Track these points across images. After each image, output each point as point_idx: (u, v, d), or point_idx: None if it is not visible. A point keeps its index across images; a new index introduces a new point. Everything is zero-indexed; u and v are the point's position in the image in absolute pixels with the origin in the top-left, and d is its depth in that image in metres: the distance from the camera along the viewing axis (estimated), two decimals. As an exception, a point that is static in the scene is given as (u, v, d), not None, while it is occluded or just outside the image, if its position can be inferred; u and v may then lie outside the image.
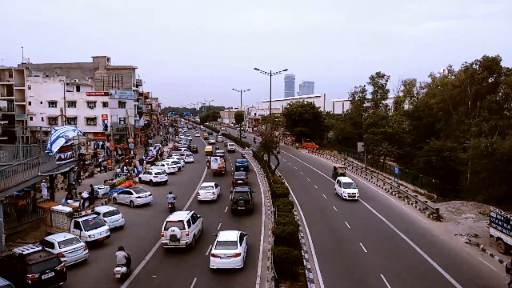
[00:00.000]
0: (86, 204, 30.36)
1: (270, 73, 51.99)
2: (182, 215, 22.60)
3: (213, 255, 18.68)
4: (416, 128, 56.73)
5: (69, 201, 27.70)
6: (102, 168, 48.62)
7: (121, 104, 67.21)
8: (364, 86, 73.37)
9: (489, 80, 45.56)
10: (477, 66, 46.02)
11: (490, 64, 44.42)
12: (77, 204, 27.11)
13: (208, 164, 50.33)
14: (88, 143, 62.40)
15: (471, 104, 46.22)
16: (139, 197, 31.66)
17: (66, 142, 27.18)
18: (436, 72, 65.42)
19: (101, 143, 63.22)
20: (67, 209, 23.78)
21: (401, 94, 72.72)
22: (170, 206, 29.67)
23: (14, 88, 66.20)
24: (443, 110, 50.38)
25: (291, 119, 79.48)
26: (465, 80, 46.67)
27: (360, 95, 73.69)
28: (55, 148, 26.22)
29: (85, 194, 31.11)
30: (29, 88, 65.36)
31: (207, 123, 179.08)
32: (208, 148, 68.23)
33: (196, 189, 36.83)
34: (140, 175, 42.94)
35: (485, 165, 30.91)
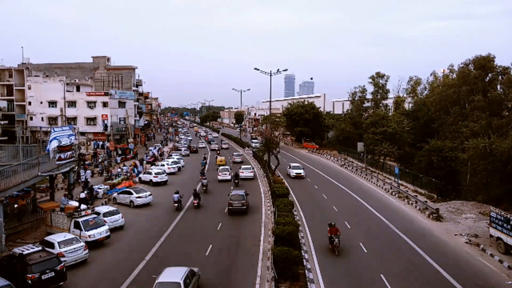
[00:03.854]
0: (83, 206, 30.23)
1: (270, 73, 52.01)
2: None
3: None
4: (414, 127, 56.77)
5: (70, 202, 27.69)
6: (103, 168, 48.46)
7: (121, 104, 67.23)
8: (364, 86, 73.39)
9: (486, 80, 45.48)
10: (471, 66, 45.99)
11: (483, 63, 44.29)
12: (76, 203, 27.09)
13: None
14: (88, 143, 62.44)
15: (467, 104, 46.22)
16: (139, 197, 31.66)
17: (59, 145, 27.12)
18: (436, 72, 65.51)
19: (101, 143, 63.24)
20: (75, 203, 24.77)
21: (401, 94, 72.69)
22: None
23: (14, 88, 66.27)
24: (441, 110, 50.39)
25: (291, 119, 79.49)
26: (460, 80, 46.64)
27: (360, 95, 73.61)
28: (50, 149, 26.48)
29: (82, 195, 30.88)
30: (29, 88, 65.42)
31: (207, 123, 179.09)
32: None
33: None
34: (140, 175, 42.94)
35: (484, 166, 30.88)
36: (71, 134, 28.61)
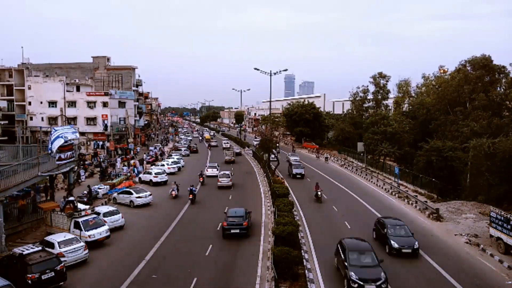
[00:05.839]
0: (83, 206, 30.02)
1: (270, 73, 52.02)
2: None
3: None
4: (414, 127, 56.72)
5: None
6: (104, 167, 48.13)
7: (121, 104, 67.17)
8: (367, 86, 73.28)
9: (485, 79, 45.53)
10: (470, 66, 46.14)
11: (484, 63, 44.38)
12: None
13: None
14: (88, 143, 62.44)
15: (469, 103, 46.22)
16: (139, 197, 31.66)
17: (65, 142, 27.15)
18: (431, 72, 65.77)
19: (101, 143, 63.23)
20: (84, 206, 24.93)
21: (401, 94, 72.73)
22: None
23: (14, 88, 66.17)
24: (440, 110, 50.36)
25: (292, 119, 79.44)
26: (460, 80, 46.71)
27: (362, 95, 73.52)
28: (54, 147, 26.38)
29: (71, 198, 30.16)
30: (29, 88, 65.35)
31: (207, 123, 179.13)
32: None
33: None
34: (140, 175, 42.95)
35: (487, 167, 30.80)
36: (74, 132, 28.92)
